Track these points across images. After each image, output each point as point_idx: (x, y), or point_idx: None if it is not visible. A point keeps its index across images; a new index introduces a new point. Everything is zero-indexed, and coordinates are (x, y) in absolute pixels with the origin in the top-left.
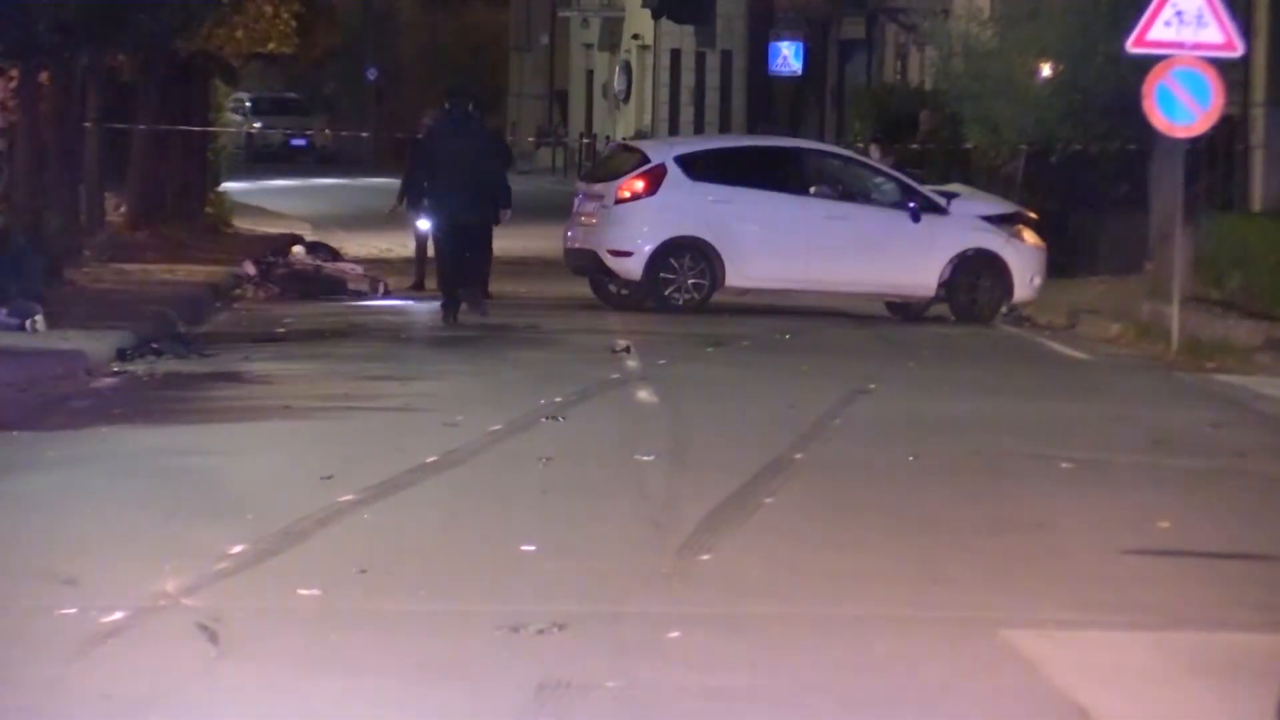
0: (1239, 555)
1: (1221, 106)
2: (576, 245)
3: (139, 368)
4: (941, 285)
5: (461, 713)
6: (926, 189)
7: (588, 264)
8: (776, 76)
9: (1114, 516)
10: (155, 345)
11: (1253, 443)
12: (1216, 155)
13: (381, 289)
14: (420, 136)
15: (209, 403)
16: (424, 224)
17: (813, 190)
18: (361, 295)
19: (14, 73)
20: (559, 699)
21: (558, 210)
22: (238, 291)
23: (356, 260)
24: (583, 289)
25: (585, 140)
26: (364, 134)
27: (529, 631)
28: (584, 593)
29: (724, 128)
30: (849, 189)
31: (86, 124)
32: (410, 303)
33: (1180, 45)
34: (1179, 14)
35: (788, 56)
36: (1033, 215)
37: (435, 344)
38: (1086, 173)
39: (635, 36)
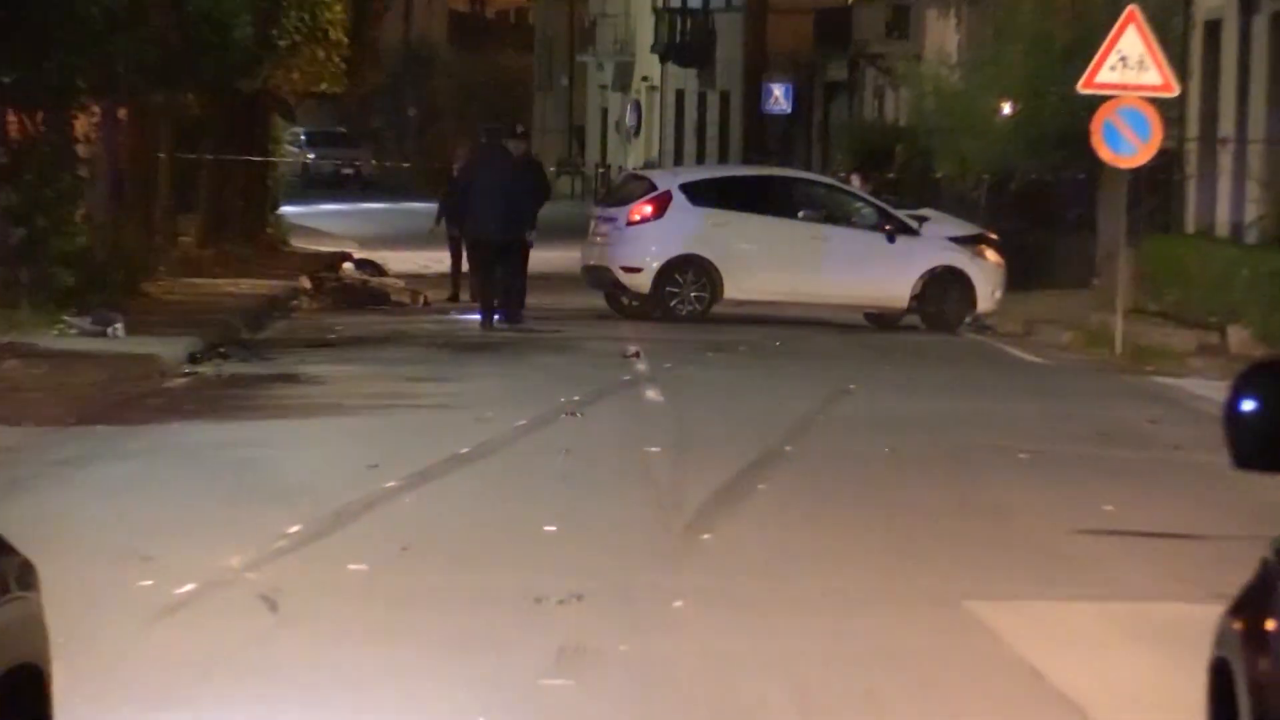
0: (1175, 535)
1: (1160, 141)
2: (592, 262)
3: (207, 370)
4: (913, 298)
5: (491, 675)
6: (900, 213)
7: (603, 279)
8: (769, 114)
9: (1065, 501)
10: (221, 350)
11: (1187, 437)
12: (1156, 183)
13: (421, 300)
14: (454, 165)
15: (268, 400)
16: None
17: (800, 214)
18: (403, 306)
19: (96, 109)
20: (577, 662)
21: (576, 231)
22: (294, 303)
23: (399, 275)
24: (598, 301)
25: (600, 169)
26: (405, 164)
27: (551, 602)
28: (599, 568)
29: (722, 159)
30: (832, 213)
31: (160, 155)
32: (447, 313)
33: (1124, 87)
34: (1123, 59)
35: (779, 97)
36: (994, 236)
37: (468, 349)
38: (1042, 199)
39: (644, 78)
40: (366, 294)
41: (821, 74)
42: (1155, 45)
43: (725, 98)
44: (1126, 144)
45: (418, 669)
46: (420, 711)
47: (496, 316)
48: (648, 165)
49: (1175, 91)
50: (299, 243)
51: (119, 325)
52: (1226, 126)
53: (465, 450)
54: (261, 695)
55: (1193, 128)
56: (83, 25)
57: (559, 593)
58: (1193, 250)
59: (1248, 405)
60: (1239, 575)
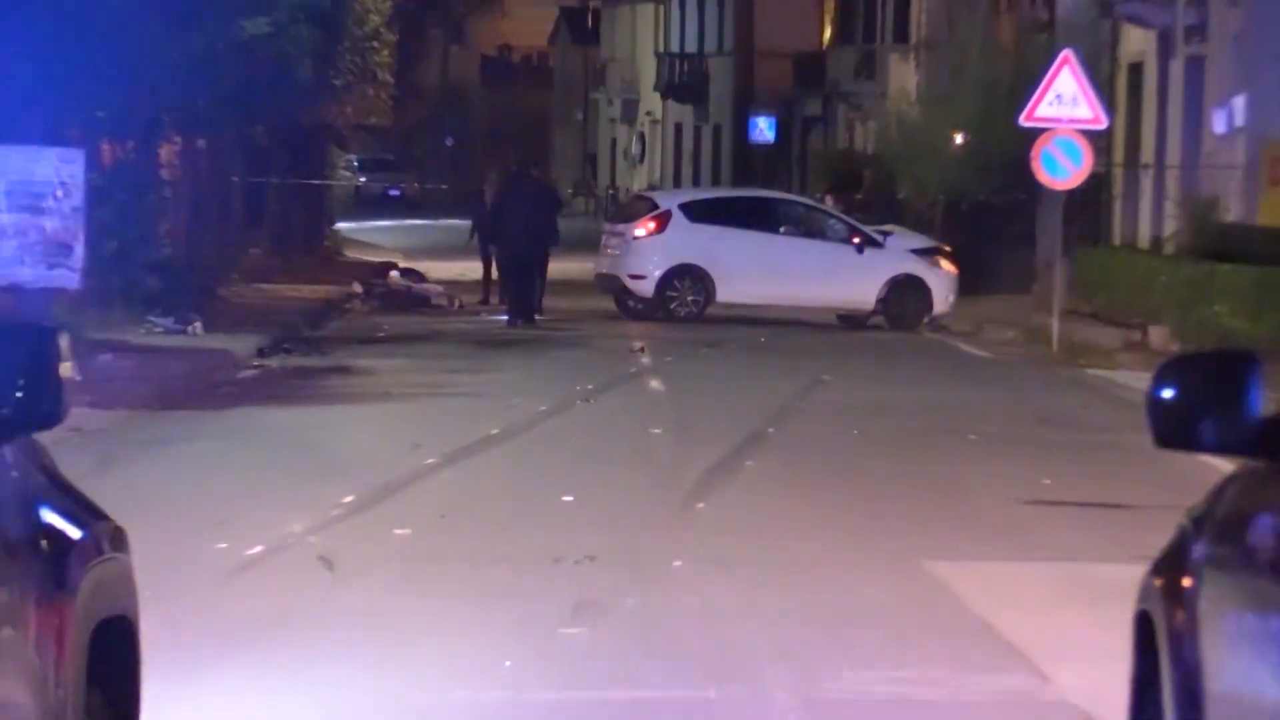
0: (1104, 505)
1: (1091, 166)
2: (604, 270)
3: (273, 362)
4: (879, 301)
5: (517, 625)
6: (868, 228)
7: (612, 285)
8: (755, 144)
9: (1010, 476)
10: (286, 345)
11: (1115, 420)
12: (1087, 203)
13: (457, 304)
14: (485, 188)
15: (326, 389)
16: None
17: (782, 229)
18: (441, 309)
19: (177, 139)
20: (591, 614)
21: (590, 244)
22: (347, 305)
23: (438, 282)
24: (608, 304)
25: (610, 191)
26: (443, 186)
27: (568, 562)
28: (610, 533)
29: (715, 182)
30: (809, 228)
31: (233, 178)
32: (479, 314)
33: (1060, 120)
34: (1059, 96)
35: (763, 129)
36: (948, 248)
37: (497, 345)
38: (989, 216)
39: (648, 113)
40: (410, 298)
41: (800, 109)
42: (1086, 84)
43: (717, 130)
44: (1062, 169)
45: (454, 619)
46: (455, 655)
47: (517, 318)
48: (651, 188)
49: (1104, 124)
50: (352, 253)
51: (197, 324)
52: (1147, 154)
53: (495, 431)
54: (321, 641)
55: (1118, 155)
56: (166, 67)
57: (575, 554)
58: (1118, 260)
59: (1167, 393)
60: (1159, 539)
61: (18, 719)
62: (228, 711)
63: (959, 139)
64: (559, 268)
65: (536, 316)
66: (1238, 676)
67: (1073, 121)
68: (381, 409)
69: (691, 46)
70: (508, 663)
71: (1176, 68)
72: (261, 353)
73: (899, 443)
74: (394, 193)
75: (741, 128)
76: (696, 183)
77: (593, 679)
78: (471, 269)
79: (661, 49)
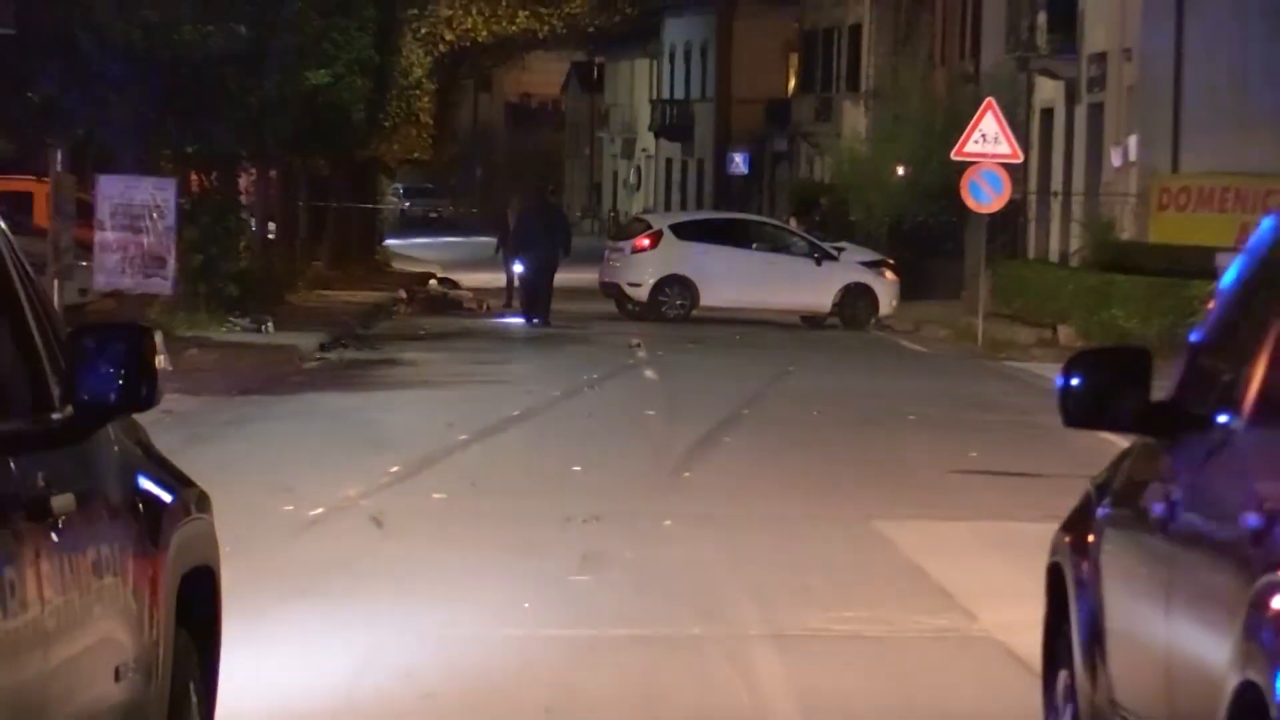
0: (1021, 474)
1: (1009, 194)
2: (607, 279)
3: (332, 356)
4: (834, 305)
5: (535, 573)
6: (825, 245)
7: (614, 291)
8: (731, 175)
9: (942, 450)
10: (343, 341)
11: (1030, 404)
12: (1006, 224)
13: (484, 307)
14: (508, 211)
15: (376, 378)
16: (517, 267)
17: (754, 246)
18: (471, 311)
19: (253, 170)
20: (596, 563)
21: (595, 258)
22: (394, 308)
23: (469, 289)
24: (610, 307)
25: (612, 214)
26: (473, 209)
27: (577, 521)
28: (611, 497)
29: (699, 206)
30: (777, 245)
31: (300, 203)
32: (503, 316)
33: (984, 155)
34: (983, 135)
35: (739, 162)
36: (892, 261)
37: (518, 341)
38: (926, 234)
39: (644, 149)
40: (446, 302)
41: (769, 146)
42: (1005, 126)
43: (701, 163)
44: (985, 196)
45: (481, 568)
46: (483, 598)
47: (534, 319)
48: (646, 211)
49: (1020, 158)
50: (397, 265)
51: (270, 324)
52: (1056, 183)
53: (516, 413)
54: (371, 587)
55: (1032, 184)
56: (244, 111)
57: (582, 514)
58: (1032, 271)
59: (1074, 382)
60: (1067, 502)
61: (117, 654)
62: (294, 646)
63: (901, 171)
64: (570, 277)
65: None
66: (1131, 616)
67: (995, 157)
68: (421, 394)
69: (680, 94)
70: (526, 604)
71: (1080, 113)
72: (323, 348)
73: (851, 422)
74: (433, 215)
75: (721, 162)
76: (684, 207)
77: (598, 618)
78: (497, 278)
79: (654, 96)
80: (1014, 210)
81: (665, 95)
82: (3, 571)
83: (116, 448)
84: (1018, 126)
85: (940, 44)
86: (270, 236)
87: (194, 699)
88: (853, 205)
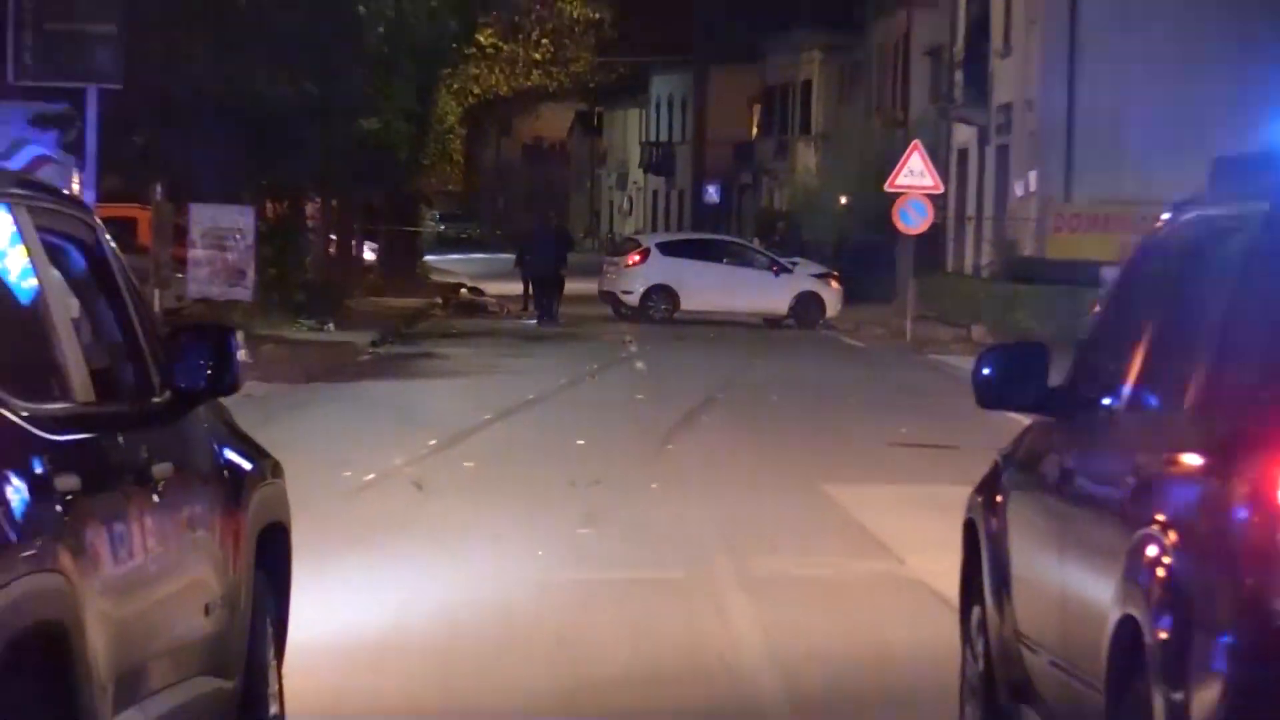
0: (943, 446)
1: (932, 219)
2: (604, 288)
3: (381, 350)
4: (790, 309)
5: (547, 525)
6: (782, 260)
7: (610, 298)
8: (706, 203)
9: (879, 426)
10: (390, 339)
11: (949, 389)
12: (930, 243)
13: (505, 311)
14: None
15: (416, 368)
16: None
17: (725, 260)
18: (494, 314)
19: (317, 200)
20: (597, 519)
21: (594, 271)
22: (431, 312)
23: (493, 295)
24: (607, 310)
25: (609, 235)
26: (497, 231)
27: (581, 485)
28: (608, 465)
29: (680, 228)
30: (743, 260)
31: (354, 226)
32: (519, 318)
33: (912, 187)
34: (911, 171)
35: (712, 193)
36: (836, 274)
37: (532, 339)
38: (864, 252)
39: (635, 182)
40: (474, 307)
41: (737, 180)
42: (929, 163)
43: (681, 193)
44: (913, 220)
45: (503, 522)
46: (504, 547)
47: (545, 320)
48: (636, 233)
49: (941, 190)
50: (434, 277)
51: (331, 325)
52: (970, 210)
53: (531, 397)
54: (414, 538)
55: (951, 210)
56: (308, 151)
57: (585, 480)
58: (951, 281)
59: (985, 371)
60: (980, 469)
61: (207, 594)
62: (351, 585)
63: (844, 200)
64: (574, 286)
65: (552, 322)
66: (1031, 562)
67: (920, 188)
68: (453, 381)
69: (664, 137)
70: (540, 553)
71: (990, 152)
72: (374, 344)
73: (803, 403)
74: (464, 236)
75: (697, 192)
76: (667, 229)
77: (598, 565)
78: (515, 287)
79: (643, 139)
80: (936, 232)
81: (652, 138)
82: (114, 527)
83: (206, 425)
84: (939, 163)
85: (876, 97)
86: (331, 253)
87: (269, 630)
88: (805, 228)
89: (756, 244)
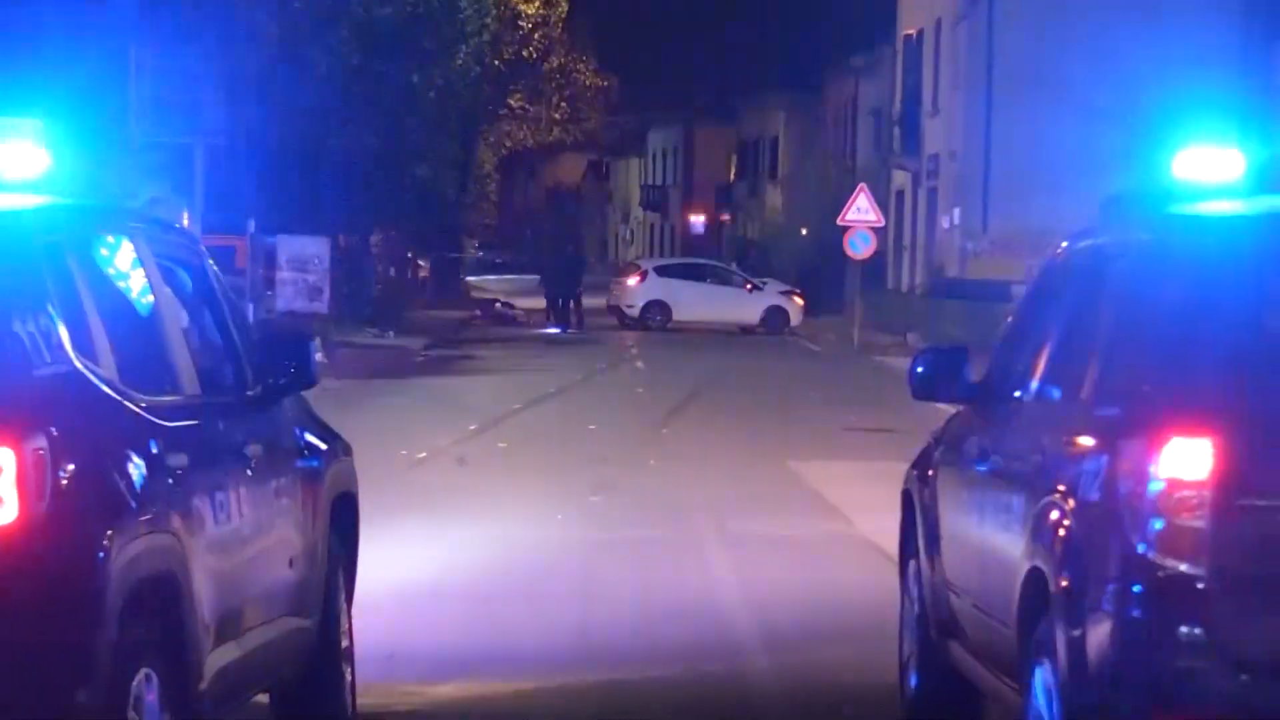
0: (885, 430)
1: (875, 247)
2: (611, 302)
3: (431, 353)
4: (760, 319)
5: (563, 492)
6: (755, 280)
7: (616, 310)
8: (693, 234)
9: (833, 415)
10: (438, 344)
11: (888, 385)
12: (873, 266)
13: (531, 320)
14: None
15: (460, 367)
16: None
17: (708, 280)
18: (522, 324)
19: (380, 232)
20: (605, 489)
21: (603, 289)
22: (471, 322)
23: (522, 308)
24: (613, 321)
25: (614, 261)
26: (524, 257)
27: (592, 461)
28: (615, 445)
29: (672, 254)
30: (724, 280)
31: (409, 253)
32: (543, 327)
33: (859, 221)
34: (859, 208)
35: (698, 225)
36: (799, 291)
37: (553, 344)
38: (821, 273)
39: (636, 217)
40: (505, 318)
41: (718, 215)
42: (873, 202)
43: (672, 226)
44: (859, 248)
45: (528, 491)
46: (529, 510)
47: (563, 329)
48: (637, 258)
49: (882, 223)
50: (474, 294)
51: (391, 332)
52: (906, 239)
53: (551, 390)
54: (458, 504)
55: (890, 240)
56: (373, 193)
57: (596, 458)
58: (891, 297)
59: (918, 369)
60: (915, 448)
61: (290, 550)
62: (407, 542)
63: (804, 231)
64: (587, 301)
65: (572, 329)
66: (956, 524)
67: (866, 222)
68: (489, 378)
69: (658, 182)
70: (559, 516)
71: (922, 193)
72: (425, 348)
73: (772, 395)
74: (499, 261)
75: (686, 225)
76: (662, 255)
77: (607, 526)
78: (539, 302)
79: (642, 183)
80: (878, 257)
81: (649, 182)
82: (215, 496)
83: (290, 413)
84: (881, 202)
85: (830, 148)
86: (391, 274)
87: (341, 579)
88: (772, 254)
89: (734, 267)
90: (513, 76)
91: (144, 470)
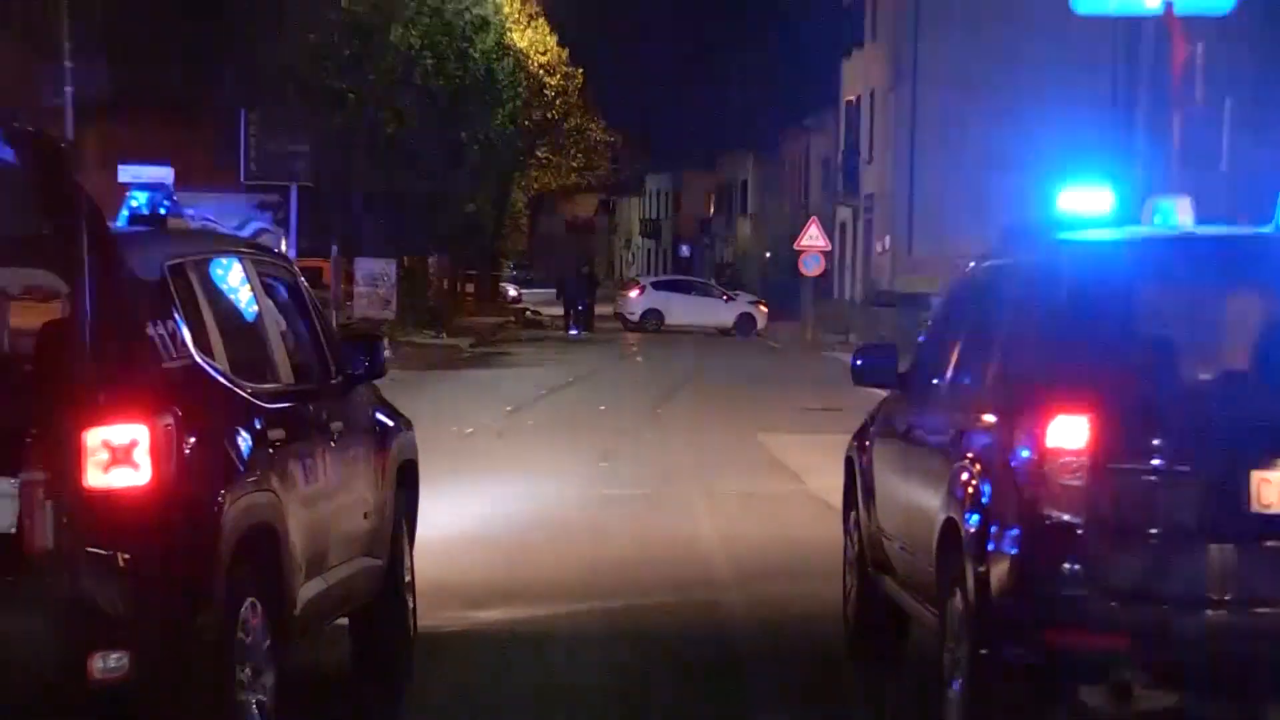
0: (831, 409)
1: (824, 266)
2: (616, 310)
3: (475, 350)
4: (734, 324)
5: (580, 460)
6: (730, 292)
7: (620, 317)
8: (680, 257)
9: (793, 396)
10: (480, 343)
11: (834, 374)
12: (823, 281)
13: (552, 324)
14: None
15: (498, 362)
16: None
17: (693, 293)
18: (546, 328)
19: (435, 254)
20: (612, 455)
21: (610, 300)
22: (506, 326)
23: (547, 314)
24: (618, 325)
25: (620, 278)
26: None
27: (601, 434)
28: (620, 422)
29: (665, 273)
30: (705, 292)
31: (458, 270)
32: (563, 331)
33: (811, 246)
34: (811, 235)
35: (685, 250)
36: (763, 301)
37: (569, 344)
38: (781, 286)
39: (636, 244)
40: (533, 323)
41: (701, 242)
42: (822, 231)
43: (665, 250)
44: (811, 267)
45: (552, 459)
46: (554, 472)
47: (576, 332)
48: (636, 276)
49: (829, 248)
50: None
51: (444, 334)
52: (849, 260)
53: (570, 379)
54: (496, 468)
55: (836, 260)
56: (430, 223)
57: (605, 432)
58: (836, 306)
59: (858, 362)
60: (855, 423)
61: (365, 505)
62: (455, 500)
63: (768, 254)
64: (597, 309)
65: (584, 332)
66: (887, 483)
67: (816, 247)
68: (521, 370)
69: (654, 215)
70: (575, 477)
71: (861, 224)
72: (470, 346)
73: (743, 383)
74: (528, 277)
75: (675, 250)
76: (657, 273)
77: (615, 485)
78: (559, 310)
79: (641, 217)
80: (826, 274)
81: (647, 216)
82: (305, 462)
83: (364, 397)
84: (828, 231)
85: (789, 188)
86: (444, 288)
87: (404, 528)
88: (743, 272)
89: (713, 282)
90: (539, 134)
91: (249, 442)
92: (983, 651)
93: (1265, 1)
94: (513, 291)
